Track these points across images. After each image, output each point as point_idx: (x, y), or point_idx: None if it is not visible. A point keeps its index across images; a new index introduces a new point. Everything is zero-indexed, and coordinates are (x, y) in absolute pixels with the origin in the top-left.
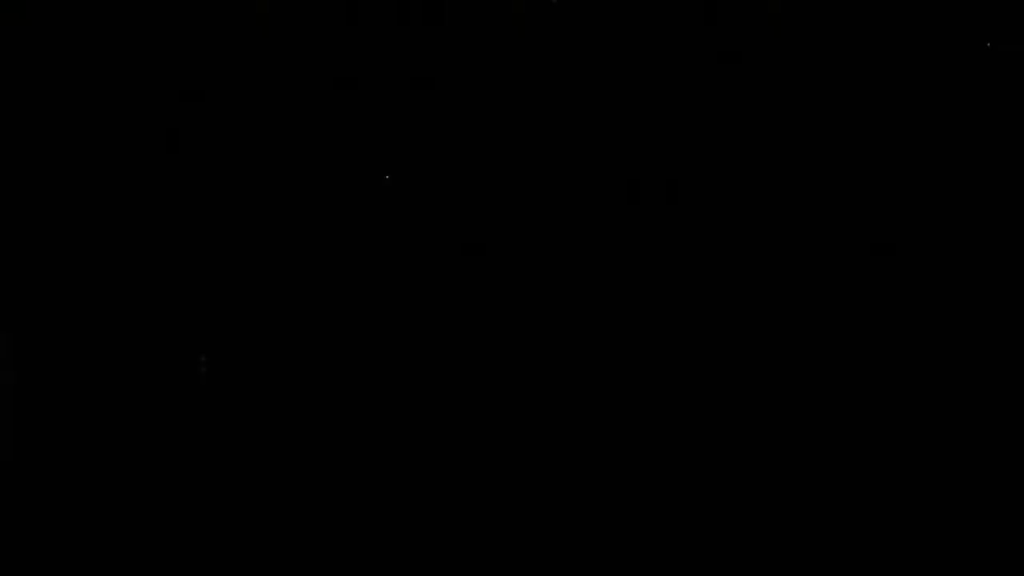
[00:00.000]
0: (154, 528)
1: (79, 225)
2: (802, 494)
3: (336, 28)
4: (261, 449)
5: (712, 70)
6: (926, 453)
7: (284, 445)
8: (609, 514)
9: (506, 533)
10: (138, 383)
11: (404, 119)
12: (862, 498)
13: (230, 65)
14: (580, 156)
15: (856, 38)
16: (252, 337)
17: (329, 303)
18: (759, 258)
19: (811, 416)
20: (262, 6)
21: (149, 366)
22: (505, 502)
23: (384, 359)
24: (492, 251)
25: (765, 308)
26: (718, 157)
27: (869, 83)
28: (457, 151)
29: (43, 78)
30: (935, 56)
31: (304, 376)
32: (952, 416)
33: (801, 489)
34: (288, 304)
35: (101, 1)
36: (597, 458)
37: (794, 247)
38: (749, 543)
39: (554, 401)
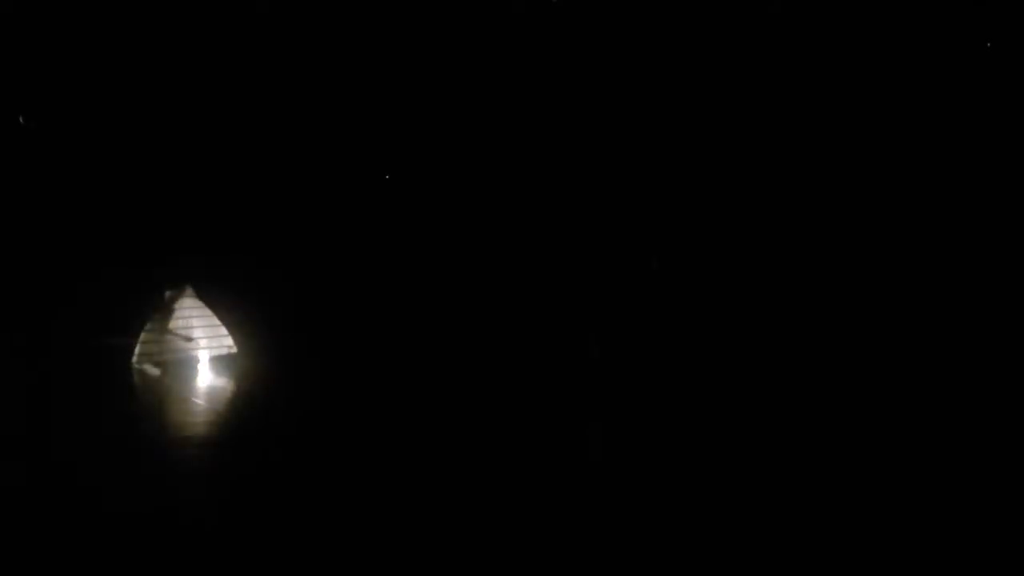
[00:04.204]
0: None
1: (77, 224)
2: (801, 493)
3: (336, 28)
4: (260, 448)
5: (712, 70)
6: (926, 453)
7: (283, 443)
8: (608, 514)
9: (506, 533)
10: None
11: (404, 119)
12: (862, 498)
13: (230, 65)
14: (579, 155)
15: (856, 38)
16: (250, 336)
17: (329, 302)
18: (759, 257)
19: (809, 415)
20: (262, 6)
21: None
22: (505, 502)
23: (383, 358)
24: (491, 251)
25: (764, 308)
26: (717, 157)
27: (869, 83)
28: (457, 151)
29: (43, 78)
30: (935, 56)
31: (303, 374)
32: (952, 416)
33: (800, 489)
34: (288, 303)
35: (102, 1)
36: (597, 457)
37: (794, 247)
38: (748, 543)
39: (555, 400)
